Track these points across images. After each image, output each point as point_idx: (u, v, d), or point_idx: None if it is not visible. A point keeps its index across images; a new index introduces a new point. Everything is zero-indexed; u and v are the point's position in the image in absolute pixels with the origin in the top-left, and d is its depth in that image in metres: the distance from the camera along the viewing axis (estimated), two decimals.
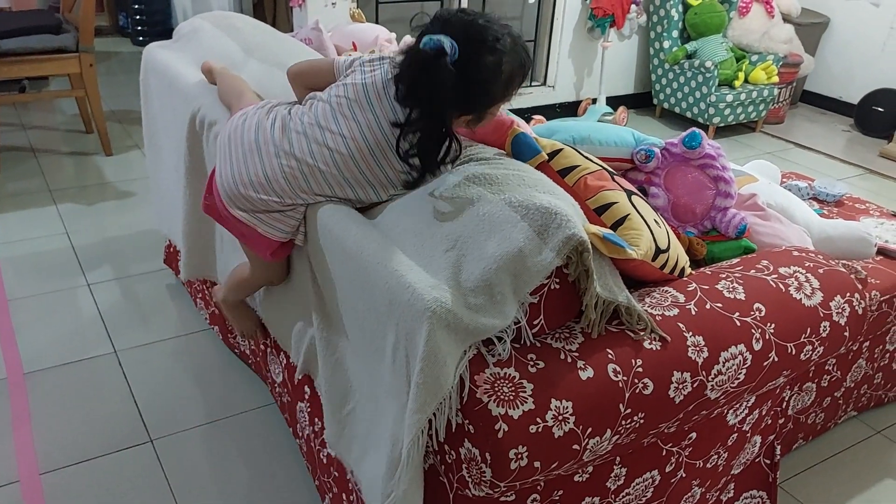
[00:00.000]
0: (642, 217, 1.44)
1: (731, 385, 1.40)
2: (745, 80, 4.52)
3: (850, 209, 2.43)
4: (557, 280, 1.28)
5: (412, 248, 1.34)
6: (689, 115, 4.61)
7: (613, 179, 1.51)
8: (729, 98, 4.40)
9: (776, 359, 1.46)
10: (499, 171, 1.39)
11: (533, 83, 4.55)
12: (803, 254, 1.66)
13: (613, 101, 4.70)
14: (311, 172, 1.47)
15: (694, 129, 1.74)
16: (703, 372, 1.35)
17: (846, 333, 1.59)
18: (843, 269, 1.63)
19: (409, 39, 2.70)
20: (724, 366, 1.38)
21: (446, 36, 1.30)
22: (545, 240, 1.24)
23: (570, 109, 4.66)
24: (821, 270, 1.61)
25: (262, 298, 1.89)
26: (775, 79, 4.57)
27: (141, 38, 5.58)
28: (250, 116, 1.57)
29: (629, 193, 1.49)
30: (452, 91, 1.31)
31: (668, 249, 1.46)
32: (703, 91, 4.44)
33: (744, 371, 1.41)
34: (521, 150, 1.49)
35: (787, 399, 1.86)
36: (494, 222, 1.28)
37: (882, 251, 2.09)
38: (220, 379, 2.22)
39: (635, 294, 1.46)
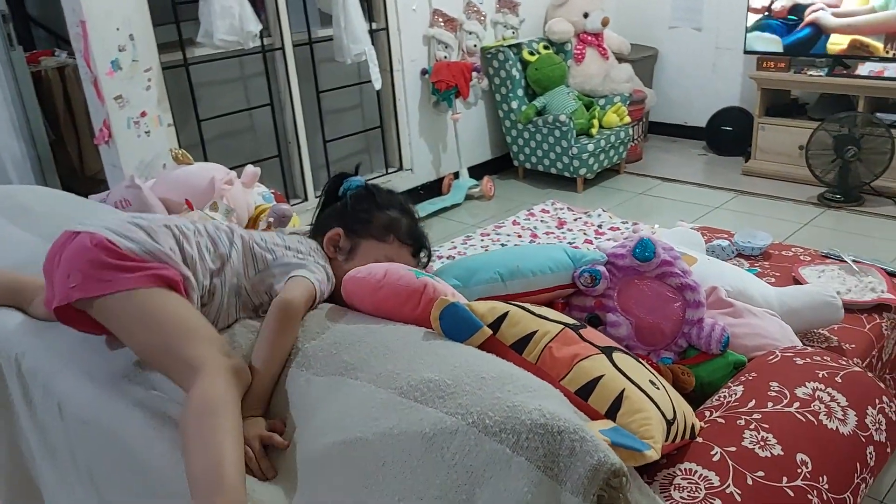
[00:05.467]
0: (637, 386, 1.07)
1: None
2: (600, 126, 4.41)
3: (780, 259, 2.21)
4: None
5: None
6: (553, 171, 4.42)
7: (581, 337, 1.14)
8: (590, 147, 4.25)
9: None
10: (445, 374, 0.98)
11: (389, 170, 4.21)
12: (807, 359, 1.36)
13: (476, 171, 4.44)
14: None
15: (644, 237, 1.40)
16: None
17: (889, 450, 1.29)
18: (859, 369, 1.35)
19: (252, 169, 2.25)
20: None
21: None
22: (559, 479, 0.84)
23: (433, 189, 4.35)
24: (838, 379, 1.31)
25: None
26: (627, 119, 4.49)
27: None
28: None
29: (608, 351, 1.12)
30: None
31: (675, 416, 1.10)
32: (562, 145, 4.26)
33: None
34: (457, 327, 1.09)
35: None
36: (474, 466, 0.86)
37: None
38: None
39: (656, 485, 1.08)
